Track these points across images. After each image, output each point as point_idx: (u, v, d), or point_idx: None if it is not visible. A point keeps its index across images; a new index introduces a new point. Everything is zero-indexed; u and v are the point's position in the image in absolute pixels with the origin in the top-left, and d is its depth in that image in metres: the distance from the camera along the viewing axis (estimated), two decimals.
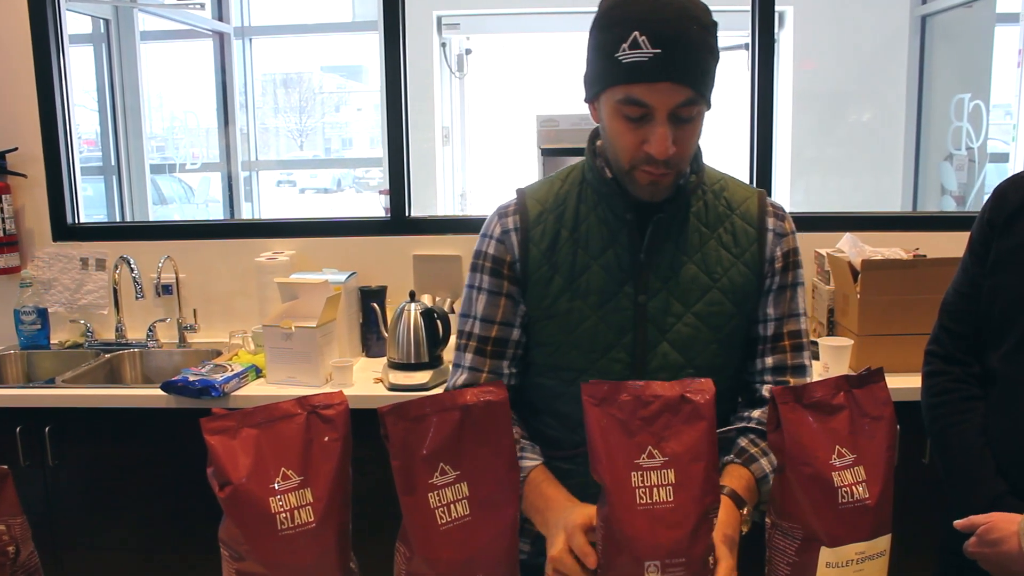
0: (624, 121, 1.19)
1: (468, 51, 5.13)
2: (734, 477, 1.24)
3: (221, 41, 5.05)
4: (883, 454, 1.05)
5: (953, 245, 2.42)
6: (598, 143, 1.33)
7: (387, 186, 2.93)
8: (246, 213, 5.23)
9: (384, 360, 2.49)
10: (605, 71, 1.19)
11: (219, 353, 2.72)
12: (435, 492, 1.00)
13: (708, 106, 1.21)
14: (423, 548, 1.00)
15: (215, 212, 5.42)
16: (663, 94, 1.15)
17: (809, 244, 2.61)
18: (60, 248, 2.93)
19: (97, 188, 4.34)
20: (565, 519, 1.11)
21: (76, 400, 2.34)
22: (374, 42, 3.94)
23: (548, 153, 2.75)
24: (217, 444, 0.97)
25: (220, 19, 5.22)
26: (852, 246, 2.47)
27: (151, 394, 2.30)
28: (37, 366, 2.82)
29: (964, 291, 1.43)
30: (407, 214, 2.88)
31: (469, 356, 1.36)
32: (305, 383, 2.33)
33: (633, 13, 1.15)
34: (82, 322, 2.90)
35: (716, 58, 1.20)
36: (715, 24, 1.19)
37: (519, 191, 1.39)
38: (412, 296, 2.47)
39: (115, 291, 2.82)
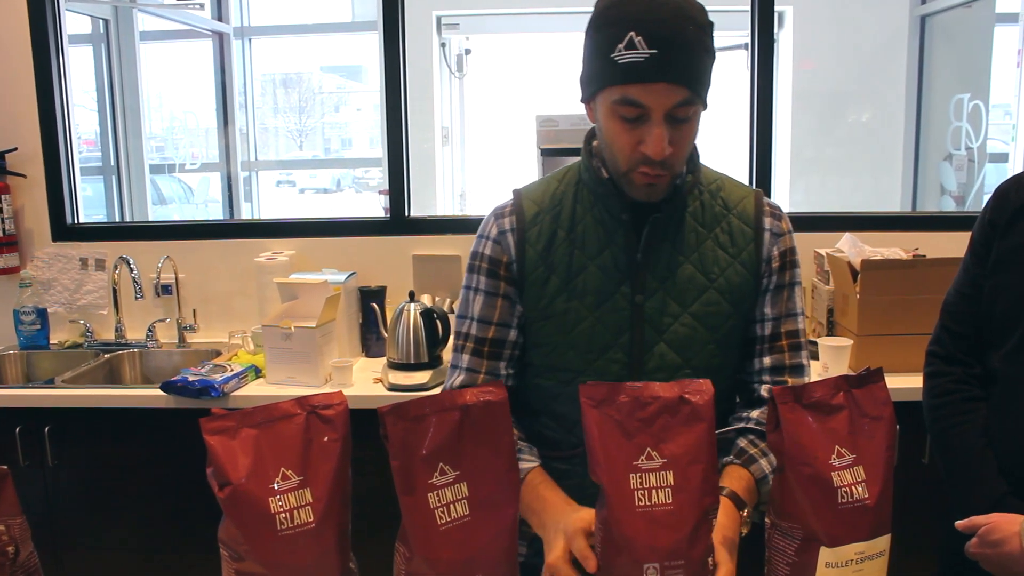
0: (620, 122, 1.19)
1: (468, 51, 5.13)
2: (734, 478, 1.24)
3: (220, 41, 5.05)
4: (882, 454, 1.05)
5: (952, 245, 2.43)
6: (594, 143, 1.33)
7: (387, 186, 2.93)
8: (245, 213, 5.23)
9: (384, 360, 2.49)
10: (601, 71, 1.18)
11: (218, 353, 2.72)
12: (435, 492, 1.00)
13: (704, 106, 1.21)
14: (423, 548, 1.00)
15: (214, 212, 5.42)
16: (659, 94, 1.15)
17: (809, 244, 2.61)
18: (59, 248, 2.93)
19: (96, 188, 4.33)
20: (565, 523, 1.10)
21: (76, 400, 2.34)
22: (374, 42, 3.95)
23: (548, 153, 2.75)
24: (216, 444, 0.97)
25: (219, 19, 5.22)
26: (851, 246, 2.47)
27: (150, 394, 2.30)
28: (36, 366, 2.82)
29: (965, 291, 1.43)
30: (407, 214, 2.88)
31: (466, 357, 1.36)
32: (304, 383, 2.33)
33: (629, 13, 1.15)
34: (81, 322, 2.90)
35: (712, 58, 1.20)
36: (711, 24, 1.19)
37: (515, 192, 1.39)
38: (412, 296, 2.47)
39: (114, 291, 2.82)
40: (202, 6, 4.96)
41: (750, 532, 1.21)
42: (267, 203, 6.04)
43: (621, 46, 1.14)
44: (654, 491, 0.99)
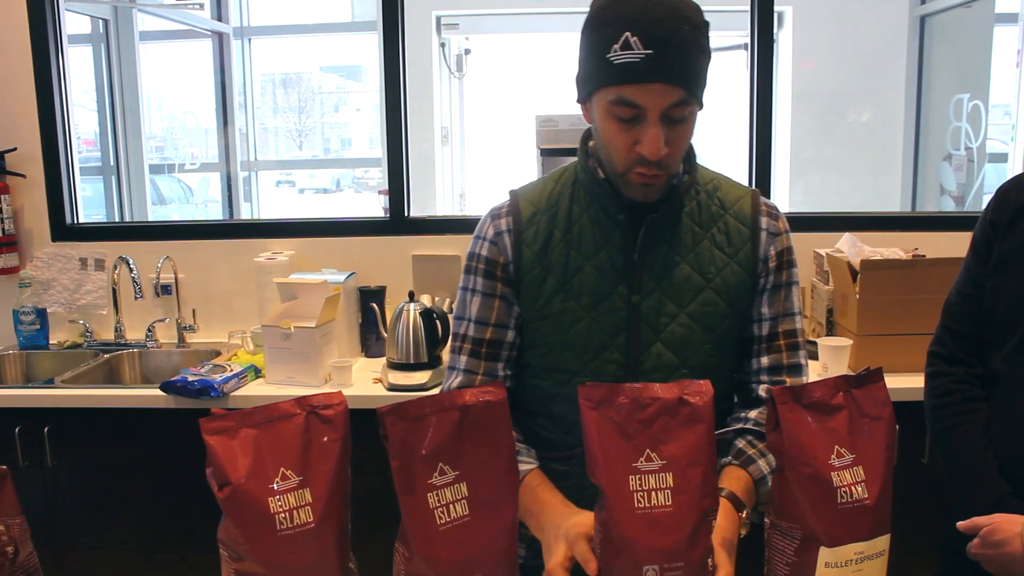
0: (616, 122, 1.19)
1: (467, 51, 5.13)
2: (732, 479, 1.24)
3: (220, 41, 5.05)
4: (882, 454, 1.05)
5: (952, 245, 2.43)
6: (590, 144, 1.33)
7: (386, 186, 2.93)
8: (245, 213, 5.23)
9: (383, 360, 2.49)
10: (597, 72, 1.18)
11: (218, 353, 2.72)
12: (434, 492, 1.00)
13: (700, 106, 1.21)
14: (422, 548, 1.00)
15: (214, 212, 5.42)
16: (655, 95, 1.15)
17: (808, 244, 2.61)
18: (59, 248, 2.93)
19: (96, 188, 4.33)
20: (566, 528, 1.10)
21: (75, 400, 2.34)
22: (373, 42, 3.95)
23: (547, 153, 2.75)
24: (216, 444, 0.97)
25: (219, 19, 5.22)
26: (851, 246, 2.47)
27: (150, 394, 2.30)
28: (36, 366, 2.82)
29: (967, 292, 1.43)
30: (406, 214, 2.88)
31: (464, 358, 1.36)
32: (304, 383, 2.33)
33: (624, 13, 1.15)
34: (81, 322, 2.90)
35: (708, 58, 1.19)
36: (707, 24, 1.18)
37: (512, 192, 1.39)
38: (411, 296, 2.47)
39: (114, 291, 2.82)
40: (202, 6, 4.96)
41: (749, 532, 1.21)
42: (267, 203, 6.04)
43: (617, 46, 1.14)
44: (653, 493, 0.99)
